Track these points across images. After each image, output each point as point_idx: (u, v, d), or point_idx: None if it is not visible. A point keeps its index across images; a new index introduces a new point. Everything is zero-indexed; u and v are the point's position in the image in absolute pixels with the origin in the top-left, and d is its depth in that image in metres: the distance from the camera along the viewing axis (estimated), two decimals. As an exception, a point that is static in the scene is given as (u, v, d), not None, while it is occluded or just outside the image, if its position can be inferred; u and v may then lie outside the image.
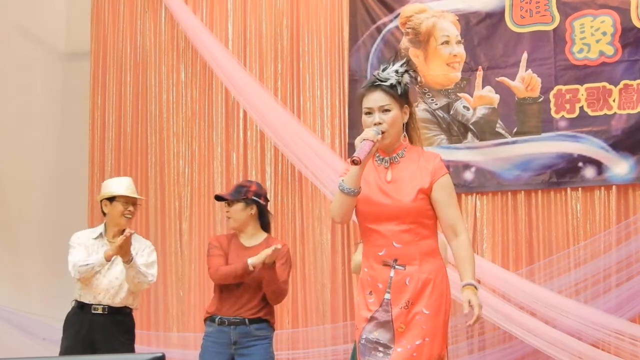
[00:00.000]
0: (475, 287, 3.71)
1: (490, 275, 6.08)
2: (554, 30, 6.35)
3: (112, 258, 5.32)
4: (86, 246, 5.45)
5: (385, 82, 3.82)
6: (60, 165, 7.80)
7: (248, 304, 5.22)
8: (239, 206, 5.28)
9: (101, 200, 5.55)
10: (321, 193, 6.64)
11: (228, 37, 7.23)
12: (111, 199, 5.49)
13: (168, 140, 7.34)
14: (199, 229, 7.17)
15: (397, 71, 3.84)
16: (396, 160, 3.84)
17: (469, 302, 3.66)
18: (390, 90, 3.81)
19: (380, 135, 3.73)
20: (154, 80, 7.45)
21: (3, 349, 6.51)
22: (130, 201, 5.49)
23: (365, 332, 3.78)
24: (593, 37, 6.25)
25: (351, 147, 6.01)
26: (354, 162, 3.63)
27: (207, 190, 7.15)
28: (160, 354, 2.60)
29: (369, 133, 3.72)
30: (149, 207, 7.31)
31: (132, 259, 5.27)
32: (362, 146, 3.67)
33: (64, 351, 5.35)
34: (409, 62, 3.90)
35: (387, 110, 3.80)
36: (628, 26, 6.16)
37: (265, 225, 5.39)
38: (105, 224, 5.54)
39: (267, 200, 5.42)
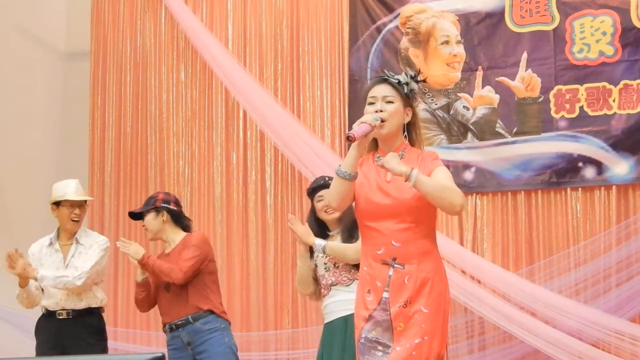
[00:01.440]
0: (410, 173, 3.62)
1: (490, 275, 6.07)
2: (554, 30, 6.34)
3: (27, 281, 5.38)
4: (38, 257, 5.50)
5: (393, 77, 3.88)
6: (60, 165, 7.79)
7: (186, 302, 5.25)
8: (151, 216, 5.41)
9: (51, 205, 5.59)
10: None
11: (228, 37, 7.23)
12: (57, 203, 5.49)
13: (168, 140, 7.34)
14: (198, 229, 7.16)
15: (407, 74, 3.89)
16: (395, 160, 3.85)
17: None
18: (397, 86, 3.85)
19: (378, 122, 3.75)
20: (154, 80, 7.45)
21: (3, 349, 6.51)
22: (75, 204, 5.49)
23: (364, 331, 3.78)
24: (593, 37, 6.24)
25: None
26: (348, 139, 3.66)
27: (207, 190, 7.16)
28: (160, 354, 2.61)
29: (367, 117, 3.76)
30: (149, 208, 7.30)
31: (27, 283, 5.36)
32: (358, 127, 3.70)
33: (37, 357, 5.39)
34: (420, 73, 3.95)
35: (391, 102, 3.83)
36: (628, 26, 6.16)
37: (185, 228, 5.49)
38: (57, 229, 5.56)
39: (179, 205, 5.51)
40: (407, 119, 3.87)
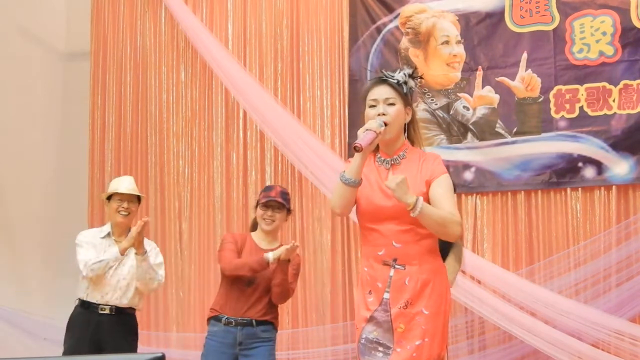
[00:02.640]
0: (415, 204, 3.60)
1: (490, 276, 6.08)
2: (554, 30, 6.35)
3: (126, 253, 5.34)
4: (94, 245, 5.47)
5: (392, 78, 3.87)
6: (60, 165, 7.80)
7: (256, 304, 5.22)
8: (285, 214, 5.36)
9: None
10: (321, 193, 6.64)
11: (228, 37, 7.23)
12: (109, 197, 5.54)
13: (168, 140, 7.34)
14: (198, 229, 7.17)
15: (405, 73, 3.88)
16: (397, 161, 3.85)
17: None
18: (397, 86, 3.85)
19: (383, 127, 3.74)
20: (154, 80, 7.46)
21: (3, 349, 6.51)
22: (125, 198, 5.51)
23: (365, 332, 3.79)
24: (593, 37, 6.25)
25: (351, 148, 6.02)
26: (355, 149, 3.65)
27: (207, 190, 7.16)
28: (160, 354, 2.60)
29: (372, 124, 3.74)
30: (149, 207, 7.31)
31: (146, 251, 5.32)
32: (364, 135, 3.69)
33: (69, 351, 5.35)
34: (416, 70, 3.94)
35: (392, 104, 3.82)
36: (628, 26, 6.16)
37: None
38: (111, 224, 5.57)
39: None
40: (408, 119, 3.88)
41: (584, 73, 6.25)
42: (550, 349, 5.70)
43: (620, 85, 6.15)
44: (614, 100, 6.16)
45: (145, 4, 7.57)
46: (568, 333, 5.75)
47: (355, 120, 6.49)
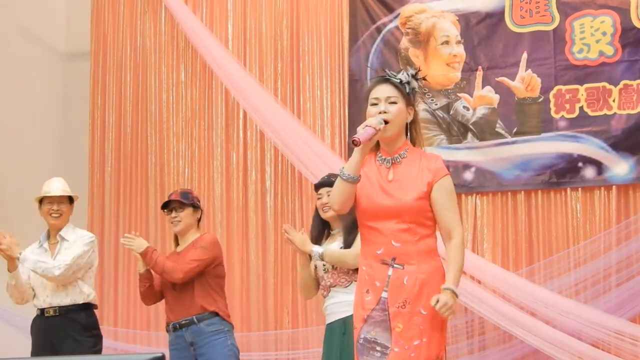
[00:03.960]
0: (455, 294, 3.67)
1: (490, 276, 6.08)
2: (554, 30, 6.34)
3: (16, 264, 5.38)
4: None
5: (395, 77, 3.87)
6: (60, 165, 7.78)
7: (191, 302, 5.26)
8: (189, 211, 5.46)
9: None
10: (321, 193, 6.63)
11: (228, 37, 7.23)
12: (41, 202, 5.55)
13: (168, 140, 7.34)
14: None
15: (408, 73, 3.89)
16: (398, 160, 3.84)
17: (437, 300, 3.64)
18: (399, 85, 3.85)
19: (382, 125, 3.74)
20: (154, 80, 7.45)
21: (3, 349, 6.51)
22: (54, 200, 5.53)
23: (363, 332, 3.78)
24: (593, 37, 6.24)
25: (351, 148, 6.03)
26: (354, 143, 3.66)
27: (207, 190, 7.16)
28: (160, 354, 2.60)
29: (371, 121, 3.74)
30: (149, 207, 7.31)
31: (16, 267, 5.35)
32: (363, 131, 3.70)
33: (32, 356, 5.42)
34: (419, 71, 3.94)
35: (394, 103, 3.82)
36: (628, 26, 6.16)
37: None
38: (47, 230, 5.60)
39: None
40: (410, 119, 3.87)
41: (584, 73, 6.24)
42: (550, 349, 5.70)
43: (620, 86, 6.15)
44: (614, 101, 6.16)
45: (145, 4, 7.56)
46: (568, 333, 5.75)
47: (355, 120, 6.48)
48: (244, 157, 7.10)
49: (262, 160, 7.05)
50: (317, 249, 4.91)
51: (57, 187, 5.58)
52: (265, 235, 6.97)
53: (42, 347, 5.36)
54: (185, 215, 5.42)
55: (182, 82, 7.38)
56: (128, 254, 7.03)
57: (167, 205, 5.52)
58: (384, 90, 3.85)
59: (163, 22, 7.50)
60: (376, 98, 3.85)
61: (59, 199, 5.54)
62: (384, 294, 3.73)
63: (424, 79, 3.99)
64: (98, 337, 5.56)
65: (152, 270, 5.35)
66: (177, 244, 5.53)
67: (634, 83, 6.13)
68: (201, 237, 5.42)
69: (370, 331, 3.76)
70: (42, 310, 5.47)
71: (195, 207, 5.48)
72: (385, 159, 3.87)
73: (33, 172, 7.56)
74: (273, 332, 6.82)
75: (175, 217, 5.43)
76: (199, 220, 5.56)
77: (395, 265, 3.73)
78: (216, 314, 5.27)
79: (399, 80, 3.86)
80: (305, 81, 6.99)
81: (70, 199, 5.64)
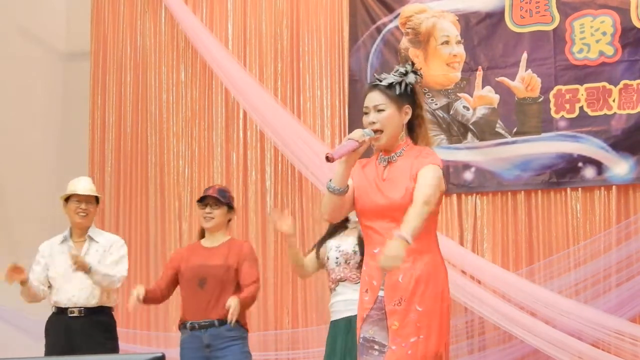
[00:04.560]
0: (406, 240, 3.52)
1: (490, 276, 6.08)
2: (554, 30, 6.34)
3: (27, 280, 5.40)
4: (50, 254, 5.53)
5: (382, 82, 3.84)
6: (60, 166, 7.79)
7: (215, 304, 5.24)
8: (224, 210, 5.44)
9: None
10: (321, 193, 6.63)
11: (228, 37, 7.23)
12: (67, 199, 5.54)
13: (168, 140, 7.34)
14: (198, 229, 7.16)
15: (399, 71, 3.85)
16: (394, 159, 3.84)
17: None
18: (387, 90, 3.82)
19: (367, 137, 3.74)
20: (154, 80, 7.45)
21: (3, 349, 6.51)
22: (82, 199, 5.52)
23: (362, 331, 3.78)
24: (593, 37, 6.24)
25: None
26: (327, 159, 3.64)
27: (207, 190, 7.15)
28: (160, 354, 2.60)
29: (354, 134, 3.75)
30: (149, 207, 7.31)
31: (90, 268, 5.32)
32: (342, 145, 3.69)
33: (47, 355, 5.39)
34: (414, 64, 3.91)
35: (382, 110, 3.81)
36: (628, 26, 6.16)
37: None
38: (70, 228, 5.59)
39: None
40: (407, 118, 3.85)
41: (584, 73, 6.24)
42: (550, 349, 5.70)
43: (620, 85, 6.15)
44: (614, 100, 6.16)
45: (145, 4, 7.56)
46: (568, 333, 5.75)
47: (355, 120, 6.47)
48: (244, 157, 7.10)
49: (262, 160, 7.05)
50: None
51: (84, 186, 5.59)
52: (265, 235, 6.97)
53: (61, 348, 5.33)
54: (220, 214, 5.40)
55: (182, 82, 7.38)
56: (128, 253, 7.02)
57: (202, 199, 5.48)
58: (372, 99, 3.84)
59: (163, 22, 7.50)
60: (366, 107, 3.86)
61: (86, 198, 5.55)
62: (381, 293, 3.73)
63: (419, 71, 3.90)
64: (116, 339, 5.60)
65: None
66: (201, 236, 5.51)
67: (634, 83, 6.13)
68: (240, 245, 5.43)
69: (369, 330, 3.76)
70: (62, 309, 5.44)
71: (230, 207, 5.46)
72: (383, 158, 3.88)
73: (33, 172, 7.58)
74: (273, 332, 6.82)
75: (210, 213, 5.40)
76: (229, 220, 5.54)
77: None
78: (237, 320, 5.27)
79: (386, 85, 3.83)
80: (305, 81, 6.99)
81: (97, 200, 5.64)
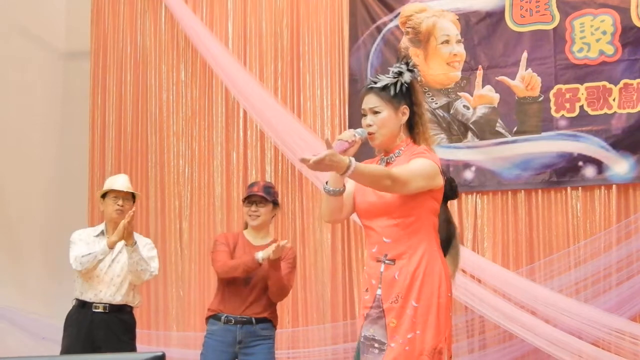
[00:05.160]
0: (349, 164, 3.49)
1: (490, 275, 6.08)
2: (554, 29, 6.34)
3: (115, 246, 5.34)
4: (87, 242, 5.48)
5: (376, 84, 3.85)
6: (60, 165, 7.80)
7: (255, 303, 5.24)
8: (270, 207, 5.41)
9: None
10: (321, 193, 6.63)
11: (228, 36, 7.24)
12: (104, 195, 5.55)
13: (168, 139, 7.34)
14: (199, 229, 7.17)
15: (394, 71, 3.86)
16: (392, 159, 3.86)
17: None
18: (382, 92, 3.83)
19: (358, 137, 3.75)
20: (154, 79, 7.46)
21: (3, 349, 6.51)
22: (120, 195, 5.52)
23: (363, 330, 3.81)
24: (593, 36, 6.24)
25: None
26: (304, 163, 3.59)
27: (207, 189, 7.16)
28: (161, 353, 2.60)
29: (345, 134, 3.77)
30: (149, 207, 7.32)
31: (135, 242, 5.32)
32: (334, 145, 3.66)
33: (65, 350, 5.37)
34: (408, 62, 3.89)
35: (377, 112, 3.83)
36: (628, 25, 6.16)
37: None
38: (105, 223, 5.58)
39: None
40: (405, 118, 3.85)
41: (584, 72, 6.24)
42: (550, 348, 5.70)
43: (621, 85, 6.15)
44: (614, 100, 6.16)
45: (145, 4, 7.57)
46: (568, 332, 5.75)
47: (356, 119, 6.47)
48: (244, 156, 7.10)
49: (262, 160, 7.05)
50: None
51: (123, 183, 5.59)
52: (265, 234, 6.96)
53: (82, 341, 5.31)
54: (266, 212, 5.39)
55: (182, 82, 7.38)
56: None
57: (248, 197, 5.46)
58: (368, 101, 3.87)
59: (163, 21, 7.50)
60: (363, 110, 3.89)
61: (124, 195, 5.54)
62: (379, 291, 3.76)
63: (414, 68, 3.88)
64: (135, 340, 5.60)
65: (270, 271, 5.20)
66: (245, 227, 5.48)
67: (634, 82, 6.13)
68: (291, 252, 5.38)
69: (369, 329, 3.78)
70: (86, 304, 5.42)
71: (276, 204, 5.45)
72: (383, 159, 3.91)
73: (33, 172, 7.58)
74: (273, 331, 6.81)
75: (256, 211, 5.37)
76: (273, 217, 5.54)
77: (386, 262, 3.75)
78: (271, 320, 5.28)
79: (380, 87, 3.83)
80: (306, 80, 6.99)
81: (133, 197, 5.64)
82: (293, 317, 6.79)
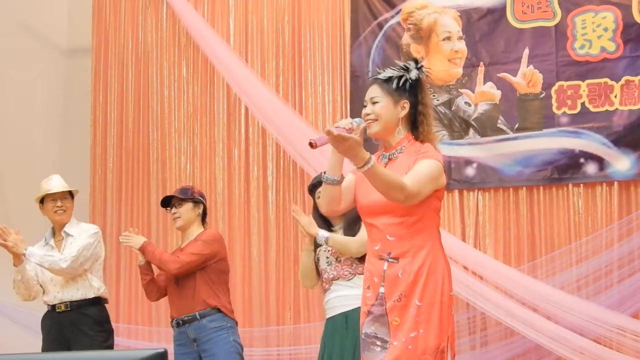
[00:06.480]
0: (368, 162, 3.51)
1: (492, 271, 6.08)
2: (556, 26, 6.34)
3: (22, 259, 5.38)
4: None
5: (379, 75, 3.88)
6: (62, 162, 7.80)
7: (191, 299, 5.29)
8: (189, 206, 5.49)
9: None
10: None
11: (229, 32, 7.23)
12: (42, 201, 5.56)
13: (170, 136, 7.34)
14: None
15: (400, 66, 3.86)
16: (394, 156, 3.84)
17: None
18: (384, 83, 3.84)
19: (355, 125, 3.72)
20: (156, 76, 7.45)
21: (3, 345, 6.51)
22: (57, 197, 5.53)
23: (364, 327, 3.81)
24: (594, 33, 6.24)
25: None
26: (310, 145, 3.61)
27: (209, 186, 7.15)
28: (163, 350, 2.60)
29: (342, 122, 3.75)
30: (151, 204, 7.32)
31: (22, 261, 5.37)
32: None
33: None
34: (418, 61, 3.91)
35: (376, 102, 3.84)
36: (629, 22, 6.16)
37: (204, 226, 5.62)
38: (52, 228, 5.61)
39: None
40: (403, 112, 3.83)
41: (585, 69, 6.24)
42: (552, 345, 5.71)
43: (622, 81, 6.15)
44: (615, 96, 6.16)
45: (146, 0, 7.56)
46: (570, 329, 5.75)
47: (357, 116, 6.46)
48: (245, 153, 7.10)
49: (264, 156, 7.05)
50: (322, 233, 4.93)
51: (57, 183, 5.60)
52: (267, 231, 6.97)
53: (55, 342, 5.37)
54: (185, 211, 5.45)
55: (183, 78, 7.38)
56: (129, 250, 7.03)
57: (167, 203, 5.52)
58: (370, 92, 3.88)
59: (164, 17, 7.50)
60: (365, 100, 3.90)
61: (61, 195, 5.56)
62: (381, 289, 3.75)
63: (421, 67, 3.88)
64: (109, 332, 5.60)
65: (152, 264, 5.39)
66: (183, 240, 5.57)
67: (636, 79, 6.13)
68: (203, 232, 5.44)
69: (371, 326, 3.78)
70: (52, 306, 5.49)
71: (196, 202, 5.47)
72: (385, 155, 3.89)
73: (34, 169, 7.57)
74: (275, 327, 6.82)
75: (175, 213, 5.47)
76: (204, 216, 5.55)
77: (389, 260, 3.74)
78: (219, 310, 5.28)
79: (383, 78, 3.84)
80: (307, 77, 6.99)
81: (71, 194, 5.64)
82: (294, 314, 6.80)
